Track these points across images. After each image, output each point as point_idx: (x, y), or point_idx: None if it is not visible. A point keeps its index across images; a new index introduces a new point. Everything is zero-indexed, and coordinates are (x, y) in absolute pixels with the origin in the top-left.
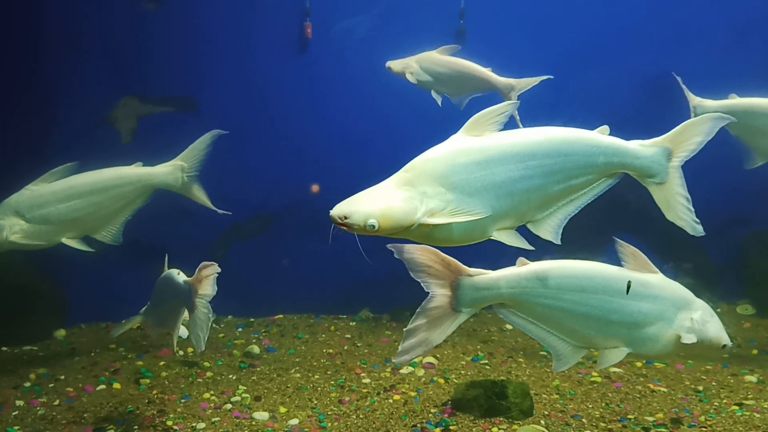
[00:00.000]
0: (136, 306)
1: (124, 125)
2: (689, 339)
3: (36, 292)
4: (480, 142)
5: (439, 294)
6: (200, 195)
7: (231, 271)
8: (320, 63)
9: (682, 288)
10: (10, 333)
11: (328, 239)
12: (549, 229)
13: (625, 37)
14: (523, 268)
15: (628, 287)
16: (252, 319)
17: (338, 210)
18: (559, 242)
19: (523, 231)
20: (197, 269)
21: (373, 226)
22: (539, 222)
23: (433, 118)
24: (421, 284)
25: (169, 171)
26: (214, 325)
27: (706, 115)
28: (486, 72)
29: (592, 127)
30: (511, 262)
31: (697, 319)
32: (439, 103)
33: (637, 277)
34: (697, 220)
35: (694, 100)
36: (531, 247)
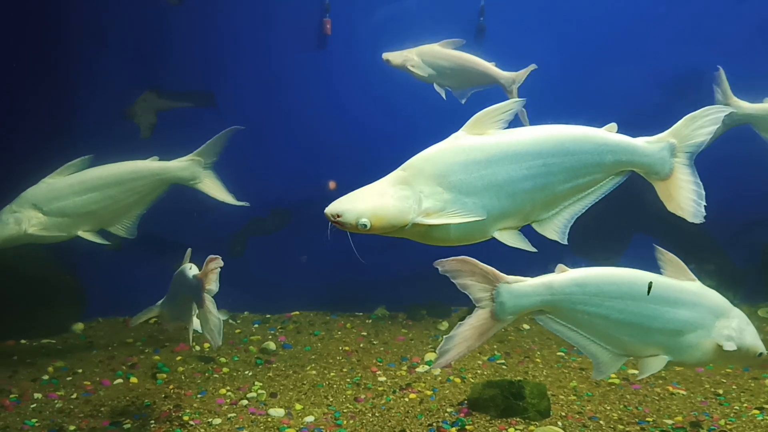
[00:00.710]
0: (154, 300)
1: (144, 120)
2: (730, 347)
3: (55, 285)
4: (481, 141)
5: (481, 303)
6: (216, 191)
7: (248, 267)
8: (339, 59)
9: (720, 296)
10: (29, 325)
11: (327, 235)
12: (555, 229)
13: (648, 34)
14: (563, 275)
15: (649, 288)
16: (268, 315)
17: (332, 208)
18: (565, 242)
19: (529, 232)
20: (204, 263)
21: (365, 225)
22: (544, 222)
23: (451, 115)
24: (468, 295)
25: (184, 166)
26: (230, 321)
27: (708, 108)
28: (489, 66)
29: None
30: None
31: (735, 327)
32: (444, 96)
33: (676, 285)
34: (702, 210)
35: (731, 98)
36: (533, 249)
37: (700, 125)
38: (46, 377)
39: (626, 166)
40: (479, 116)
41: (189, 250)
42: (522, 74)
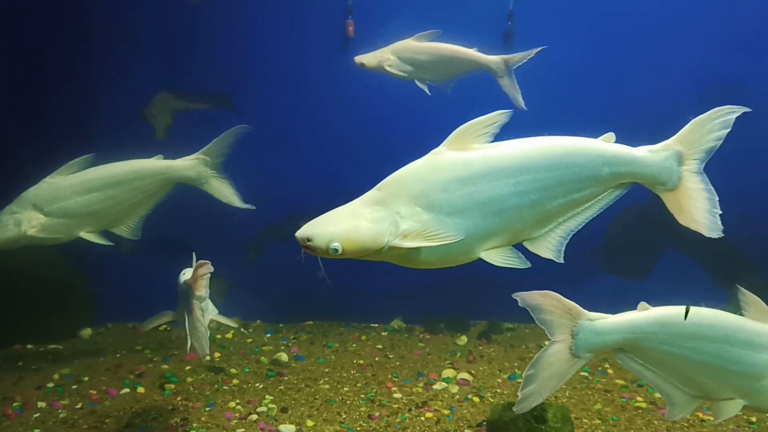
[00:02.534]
0: (165, 307)
1: (160, 122)
2: None
3: (64, 289)
4: (463, 156)
5: (559, 338)
6: (224, 191)
7: (262, 274)
8: None
9: None
10: (36, 330)
11: (301, 259)
12: (549, 248)
13: (683, 42)
14: (644, 313)
15: (687, 313)
16: (281, 325)
17: (302, 231)
18: (561, 261)
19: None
20: (194, 269)
21: (336, 250)
22: (537, 240)
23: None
24: (545, 330)
25: (190, 165)
26: (242, 330)
27: (717, 110)
28: (471, 52)
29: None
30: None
31: None
32: (427, 91)
33: (758, 328)
34: (718, 223)
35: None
36: (527, 264)
37: (709, 129)
38: (51, 385)
39: (626, 178)
40: (462, 130)
41: (194, 254)
42: (517, 57)
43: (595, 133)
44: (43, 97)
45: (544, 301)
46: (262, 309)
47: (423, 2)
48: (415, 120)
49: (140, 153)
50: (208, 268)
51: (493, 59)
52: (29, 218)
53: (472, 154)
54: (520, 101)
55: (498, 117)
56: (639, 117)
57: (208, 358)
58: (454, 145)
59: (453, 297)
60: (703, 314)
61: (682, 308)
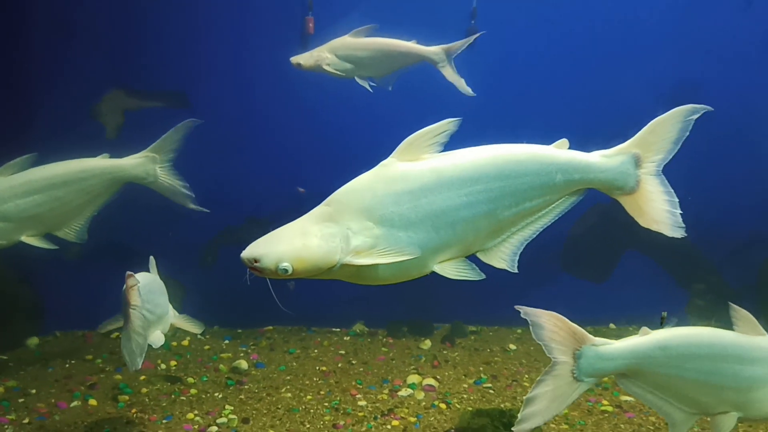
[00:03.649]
0: (116, 314)
1: (110, 120)
2: None
3: (9, 296)
4: (413, 168)
5: (561, 361)
6: (174, 190)
7: (219, 278)
8: None
9: None
10: None
11: (246, 281)
12: (503, 257)
13: (643, 42)
14: (646, 338)
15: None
16: (239, 330)
17: (248, 252)
18: (515, 271)
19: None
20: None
21: (286, 270)
22: (490, 250)
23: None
24: (544, 349)
25: (138, 163)
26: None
27: (676, 110)
28: (410, 45)
29: (617, 138)
30: None
31: None
32: (368, 88)
33: (749, 342)
34: (680, 221)
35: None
36: (482, 276)
37: (668, 130)
38: None
39: (581, 185)
40: (410, 140)
41: (152, 258)
42: (457, 45)
43: (553, 139)
44: None
45: (548, 321)
46: (219, 314)
47: None
48: (378, 118)
49: (86, 152)
50: (134, 280)
51: (432, 50)
52: None
53: (423, 165)
54: (467, 88)
55: (447, 126)
56: (598, 121)
57: (163, 366)
58: (404, 156)
59: (414, 299)
60: (701, 334)
61: (680, 330)
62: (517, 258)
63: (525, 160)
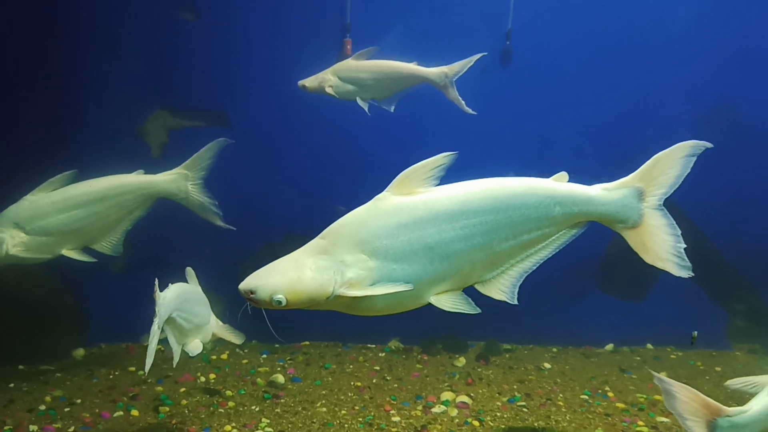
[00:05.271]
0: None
1: (155, 139)
2: None
3: (57, 308)
4: (407, 201)
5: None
6: (204, 207)
7: None
8: None
9: None
10: (28, 350)
11: (248, 310)
12: (502, 290)
13: (684, 64)
14: None
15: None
16: (277, 345)
17: (245, 284)
18: (515, 302)
19: None
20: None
21: (280, 302)
22: (489, 282)
23: (473, 140)
24: (678, 420)
25: (171, 179)
26: (237, 350)
27: (680, 145)
28: (411, 66)
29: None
30: None
31: None
32: (367, 110)
33: None
34: (686, 261)
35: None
36: (477, 310)
37: (671, 165)
38: (42, 407)
39: (581, 218)
40: (406, 174)
41: (189, 269)
42: (459, 66)
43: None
44: (23, 111)
45: (681, 392)
46: (257, 329)
47: (421, 22)
48: (413, 140)
49: (125, 168)
50: (156, 286)
51: (433, 71)
52: (11, 237)
53: (416, 199)
54: (467, 109)
55: (442, 160)
56: (634, 141)
57: (203, 379)
58: (399, 189)
59: (450, 317)
60: None
61: None
62: (517, 290)
63: (521, 193)
